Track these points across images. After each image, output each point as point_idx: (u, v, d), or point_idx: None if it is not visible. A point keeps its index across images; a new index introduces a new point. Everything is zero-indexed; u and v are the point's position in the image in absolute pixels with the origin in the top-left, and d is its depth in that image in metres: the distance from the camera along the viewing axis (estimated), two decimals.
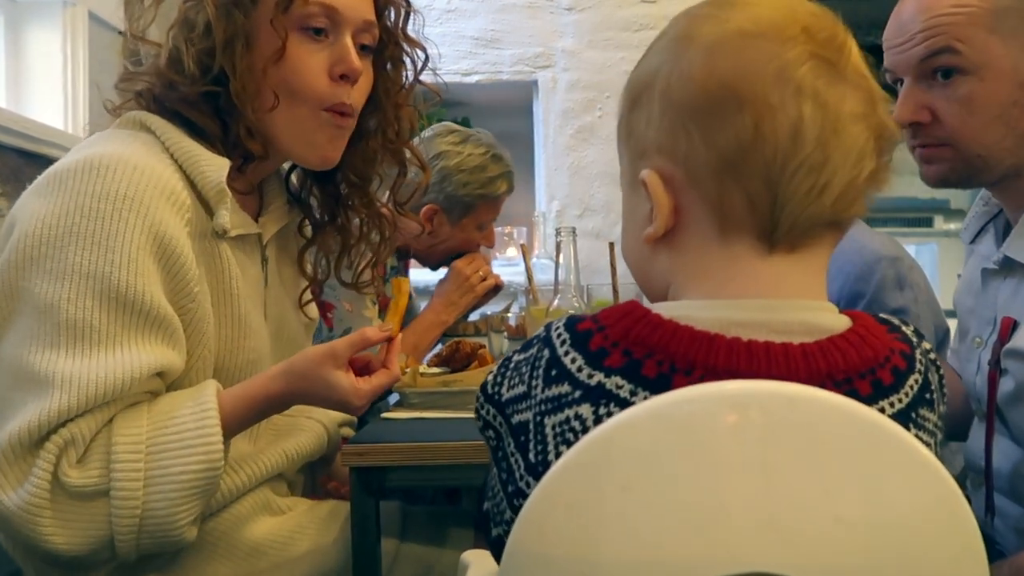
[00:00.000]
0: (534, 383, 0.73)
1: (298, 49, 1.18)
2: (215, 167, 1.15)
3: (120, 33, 2.62)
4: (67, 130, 2.28)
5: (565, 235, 1.69)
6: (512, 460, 0.75)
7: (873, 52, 1.28)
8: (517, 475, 0.74)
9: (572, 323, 0.74)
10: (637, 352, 0.70)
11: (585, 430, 0.70)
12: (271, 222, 1.31)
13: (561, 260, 1.67)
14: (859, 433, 0.65)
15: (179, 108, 1.17)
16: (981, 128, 1.19)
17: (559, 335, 0.73)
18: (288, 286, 1.38)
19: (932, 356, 0.77)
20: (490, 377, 0.79)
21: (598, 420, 0.70)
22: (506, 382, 0.77)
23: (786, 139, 0.68)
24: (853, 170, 0.70)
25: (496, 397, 0.77)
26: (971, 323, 1.36)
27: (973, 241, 1.40)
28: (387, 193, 1.42)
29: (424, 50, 1.34)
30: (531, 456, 0.73)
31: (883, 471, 0.66)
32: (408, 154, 1.37)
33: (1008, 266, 1.27)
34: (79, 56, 2.32)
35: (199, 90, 1.16)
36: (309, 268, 1.40)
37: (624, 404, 0.69)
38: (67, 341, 1.02)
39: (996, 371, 1.26)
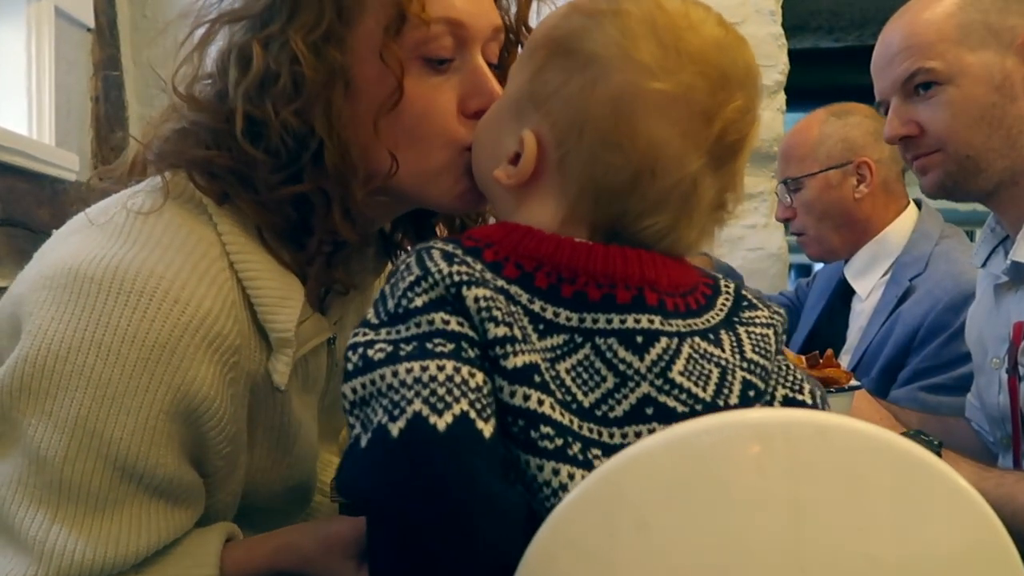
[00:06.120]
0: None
1: (418, 86, 0.96)
2: (285, 310, 0.98)
3: (89, 31, 2.64)
4: (32, 136, 2.29)
5: None
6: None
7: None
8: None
9: (453, 241, 0.83)
10: (528, 265, 0.81)
11: (500, 308, 0.78)
12: (349, 297, 1.13)
13: None
14: (893, 465, 0.66)
15: (251, 209, 0.97)
16: (966, 130, 1.39)
17: (445, 246, 0.82)
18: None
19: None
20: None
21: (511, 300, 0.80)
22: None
23: (650, 204, 0.82)
24: (695, 240, 0.86)
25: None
26: (988, 345, 1.47)
27: (984, 265, 1.53)
28: None
29: None
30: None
31: (920, 507, 0.66)
32: None
33: (1017, 274, 1.39)
34: (45, 55, 2.33)
35: (292, 174, 0.95)
36: None
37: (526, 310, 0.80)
38: (58, 503, 0.91)
39: (1016, 377, 1.31)
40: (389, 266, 1.18)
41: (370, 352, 0.77)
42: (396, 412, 0.72)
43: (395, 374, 0.74)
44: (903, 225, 2.04)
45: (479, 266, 0.80)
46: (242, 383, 0.98)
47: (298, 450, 1.11)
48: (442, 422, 0.71)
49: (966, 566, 0.67)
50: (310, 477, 1.18)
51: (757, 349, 0.86)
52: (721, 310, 0.87)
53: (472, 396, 0.74)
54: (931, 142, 1.42)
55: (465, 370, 0.75)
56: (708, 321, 0.85)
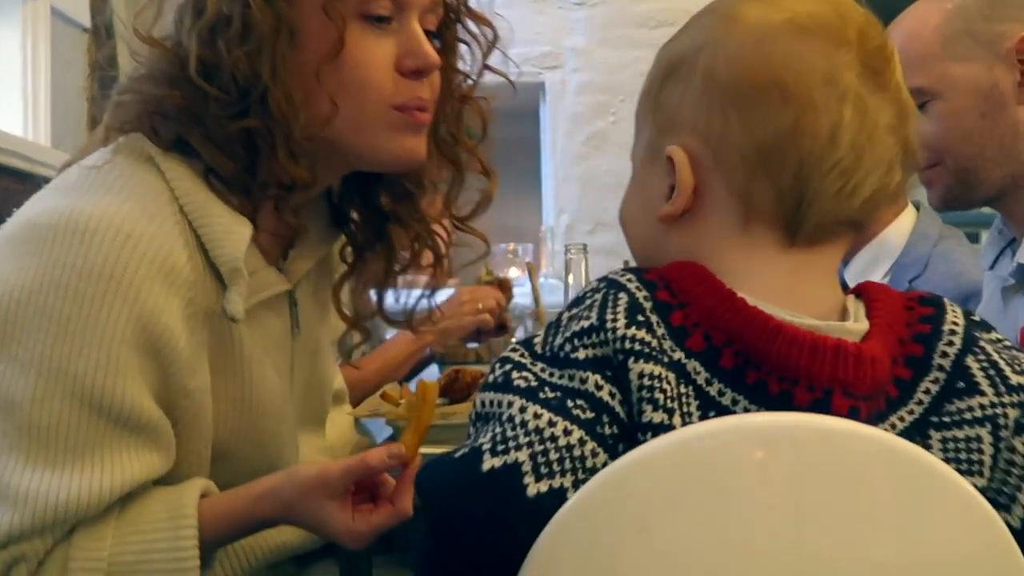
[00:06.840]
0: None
1: (358, 41, 1.05)
2: (232, 240, 1.03)
3: (85, 31, 2.64)
4: (27, 137, 2.30)
5: (575, 253, 1.70)
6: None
7: None
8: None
9: (648, 285, 0.76)
10: (717, 339, 0.74)
11: (665, 391, 0.72)
12: (305, 258, 1.18)
13: (571, 280, 1.69)
14: (899, 471, 0.66)
15: (201, 145, 1.04)
16: (959, 143, 1.41)
17: (635, 286, 0.76)
18: (323, 315, 1.29)
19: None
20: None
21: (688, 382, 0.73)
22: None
23: (824, 139, 0.75)
24: (884, 178, 0.78)
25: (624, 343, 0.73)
26: None
27: (992, 267, 1.54)
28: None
29: (492, 27, 1.21)
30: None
31: (925, 512, 0.66)
32: (466, 157, 1.24)
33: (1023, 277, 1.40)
34: (40, 56, 2.34)
35: (240, 111, 1.03)
36: (348, 304, 1.27)
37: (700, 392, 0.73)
38: (29, 446, 0.94)
39: None
40: (342, 237, 1.26)
41: (514, 375, 0.75)
42: (499, 448, 0.70)
43: (523, 410, 0.72)
44: (902, 226, 2.04)
45: (661, 331, 0.74)
46: (200, 320, 1.03)
47: (265, 408, 1.13)
48: (535, 488, 0.69)
49: (971, 570, 0.67)
50: (290, 451, 1.20)
51: (955, 464, 0.73)
52: (920, 403, 0.76)
53: (581, 476, 0.70)
54: (929, 156, 1.44)
55: (590, 447, 0.71)
56: (894, 425, 0.75)
